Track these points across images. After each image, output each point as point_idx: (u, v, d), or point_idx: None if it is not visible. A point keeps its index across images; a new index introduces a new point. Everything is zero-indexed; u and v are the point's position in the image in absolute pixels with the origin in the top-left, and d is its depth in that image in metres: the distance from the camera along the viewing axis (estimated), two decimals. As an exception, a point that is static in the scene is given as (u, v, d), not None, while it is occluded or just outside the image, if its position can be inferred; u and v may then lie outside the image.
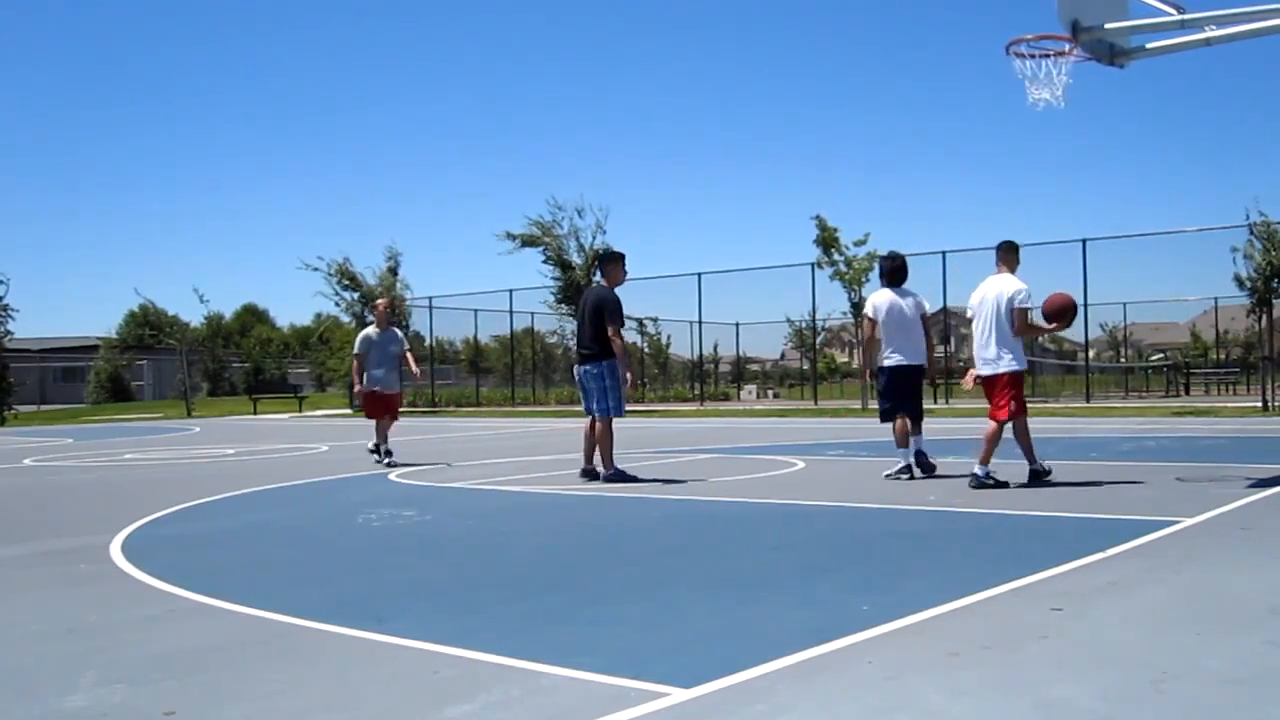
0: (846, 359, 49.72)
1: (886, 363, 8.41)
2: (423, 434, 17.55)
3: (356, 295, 30.38)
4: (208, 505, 7.78)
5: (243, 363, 55.91)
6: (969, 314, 8.01)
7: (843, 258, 23.52)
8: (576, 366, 8.85)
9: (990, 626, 3.50)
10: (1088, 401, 22.31)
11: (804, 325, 33.46)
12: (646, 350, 36.03)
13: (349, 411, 27.67)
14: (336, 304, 31.25)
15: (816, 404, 25.81)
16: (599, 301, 8.64)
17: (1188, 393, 26.47)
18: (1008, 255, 7.92)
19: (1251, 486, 7.02)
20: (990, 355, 7.64)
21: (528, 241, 27.41)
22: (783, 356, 47.95)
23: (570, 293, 26.13)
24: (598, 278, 9.14)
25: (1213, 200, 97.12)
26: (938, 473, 8.28)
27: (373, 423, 11.37)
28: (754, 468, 9.62)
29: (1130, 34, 7.95)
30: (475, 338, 35.63)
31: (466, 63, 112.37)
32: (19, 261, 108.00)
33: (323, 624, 3.79)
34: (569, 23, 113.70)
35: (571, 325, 24.96)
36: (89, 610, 4.19)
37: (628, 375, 8.68)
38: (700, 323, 31.07)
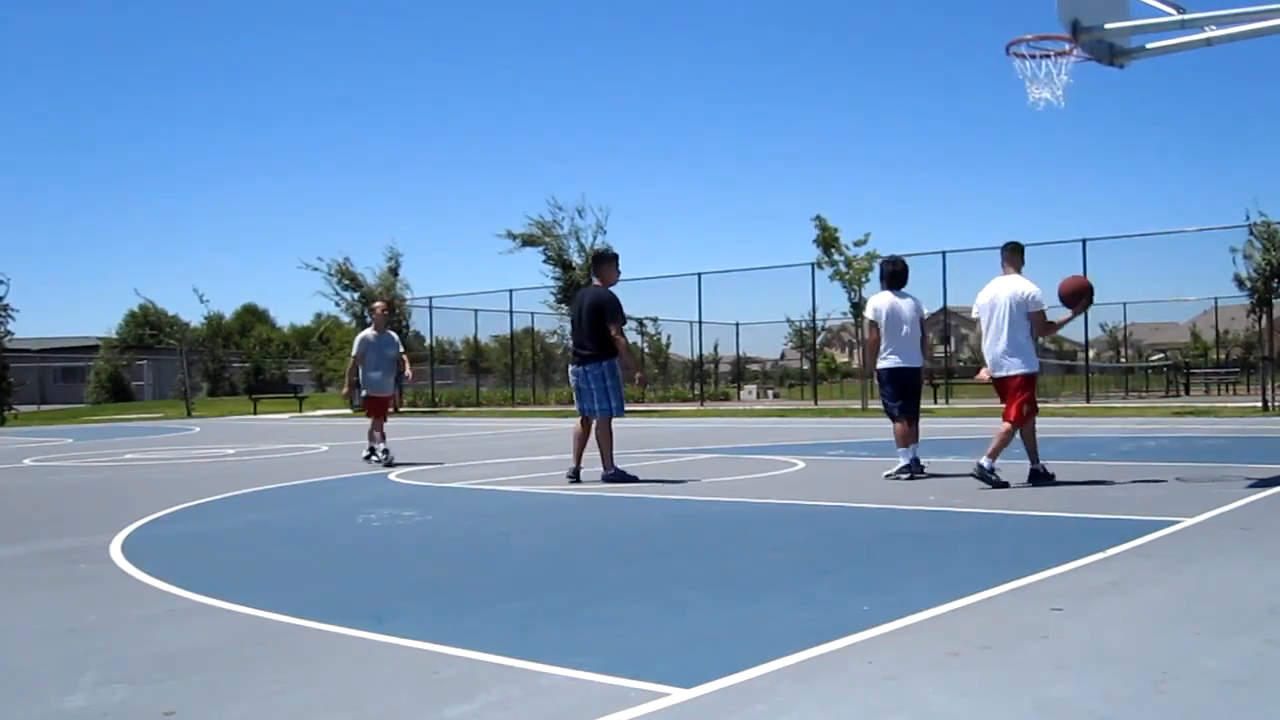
0: (846, 359, 49.74)
1: (884, 364, 8.48)
2: (423, 434, 17.56)
3: (356, 295, 30.40)
4: (208, 505, 7.78)
5: (243, 363, 55.90)
6: (974, 314, 8.01)
7: (843, 258, 23.52)
8: (574, 367, 8.78)
9: (990, 626, 3.50)
10: (1088, 401, 22.31)
11: (804, 325, 33.52)
12: (646, 350, 36.02)
13: (349, 412, 27.66)
14: (336, 304, 31.32)
15: (816, 404, 25.82)
16: (598, 301, 8.63)
17: (1188, 393, 26.48)
18: (1013, 256, 7.94)
19: (1251, 486, 7.02)
20: (1002, 357, 7.65)
21: (528, 241, 27.44)
22: (783, 356, 47.96)
23: (571, 293, 26.14)
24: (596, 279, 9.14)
25: (1213, 200, 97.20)
26: (938, 473, 8.28)
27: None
28: (754, 468, 9.62)
29: (1130, 34, 7.95)
30: (475, 338, 35.66)
31: (467, 63, 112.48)
32: (19, 261, 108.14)
33: (323, 624, 3.79)
34: (569, 23, 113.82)
35: (571, 326, 24.89)
36: (89, 610, 4.19)
37: (638, 373, 8.70)
38: (700, 323, 31.11)
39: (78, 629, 3.87)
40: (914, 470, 8.18)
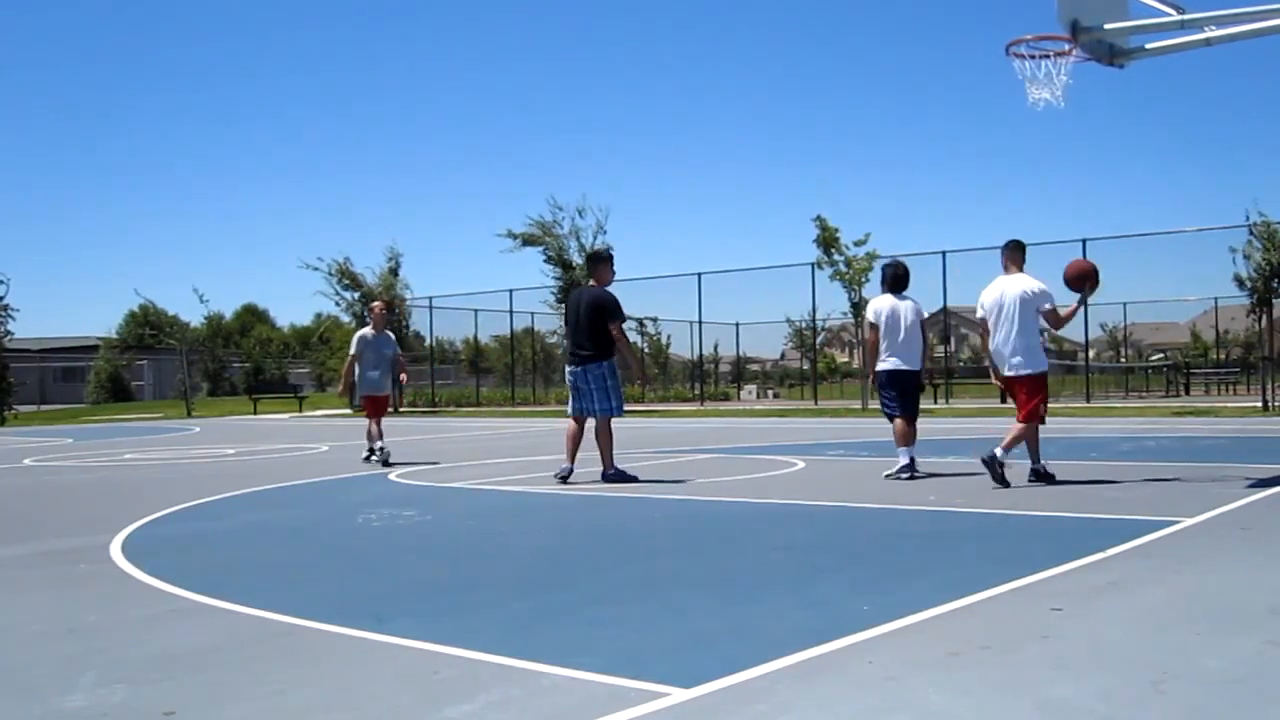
0: (846, 359, 49.76)
1: (884, 366, 8.55)
2: (422, 434, 17.56)
3: (357, 295, 30.40)
4: (208, 505, 7.78)
5: (243, 363, 55.90)
6: (979, 314, 7.99)
7: (843, 258, 23.52)
8: (571, 368, 8.72)
9: (990, 626, 3.51)
10: (1088, 401, 22.31)
11: (804, 325, 33.53)
12: (646, 350, 36.02)
13: (349, 412, 27.66)
14: (337, 304, 31.32)
15: (816, 404, 25.82)
16: (597, 301, 8.62)
17: (1188, 393, 26.48)
18: (1014, 254, 7.94)
19: (1251, 486, 7.02)
20: (1014, 356, 7.65)
21: (528, 241, 27.45)
22: (783, 356, 47.98)
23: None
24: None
25: (1213, 200, 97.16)
26: (938, 473, 8.28)
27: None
28: (754, 468, 9.62)
29: (1130, 34, 7.95)
30: (475, 338, 35.66)
31: (467, 62, 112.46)
32: (19, 261, 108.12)
33: (323, 624, 3.79)
34: (569, 23, 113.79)
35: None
36: (89, 610, 4.19)
37: (641, 374, 8.68)
38: (700, 323, 31.11)
39: (78, 629, 3.87)
40: (912, 470, 8.19)
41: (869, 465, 9.42)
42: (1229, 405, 19.83)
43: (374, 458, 11.08)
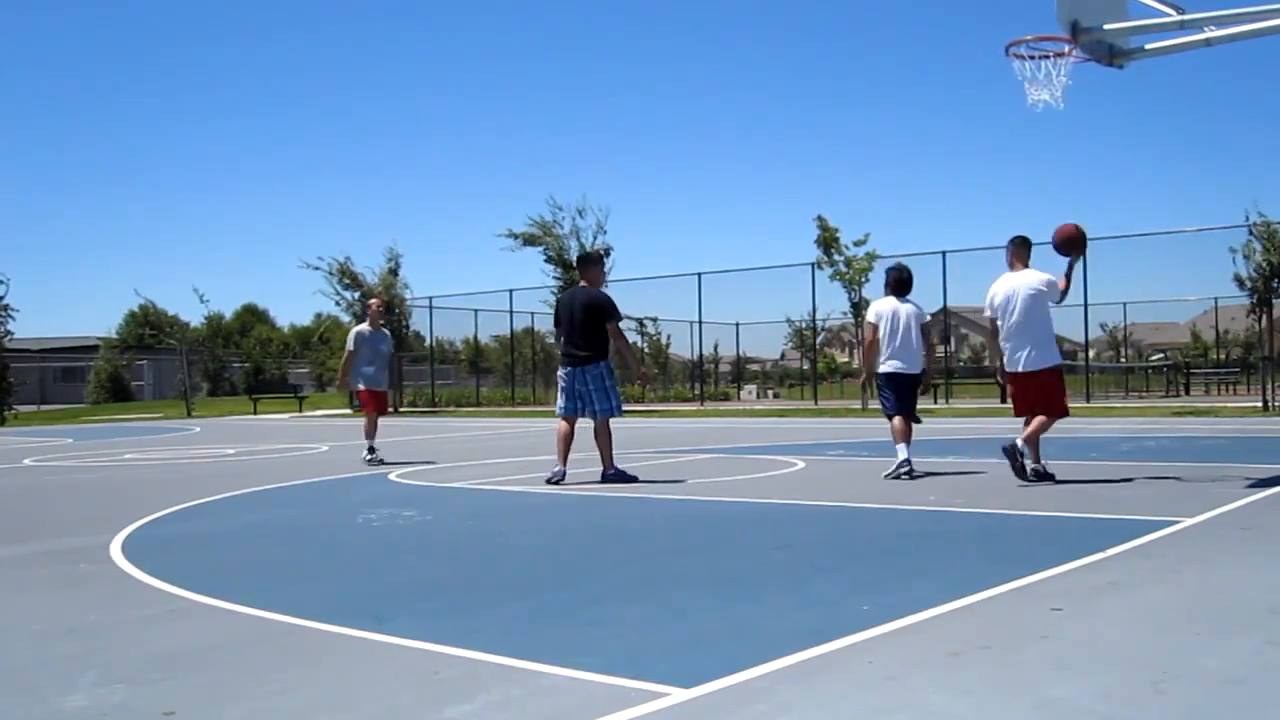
0: (846, 359, 49.75)
1: (884, 369, 8.60)
2: (422, 434, 17.56)
3: (357, 295, 30.39)
4: (208, 505, 7.78)
5: (243, 363, 55.91)
6: (987, 313, 7.96)
7: (843, 258, 23.54)
8: (567, 369, 8.63)
9: (990, 626, 3.51)
10: (1088, 401, 22.31)
11: (804, 325, 33.52)
12: (646, 350, 36.02)
13: (349, 411, 27.66)
14: (337, 303, 31.29)
15: (816, 404, 25.82)
16: (594, 302, 8.61)
17: (1188, 393, 26.47)
18: (1020, 250, 7.92)
19: (1251, 486, 7.02)
20: (1029, 352, 7.65)
21: (529, 241, 27.44)
22: (783, 356, 47.97)
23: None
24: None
25: (1213, 200, 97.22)
26: (938, 472, 8.29)
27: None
28: (754, 468, 9.62)
29: (1130, 34, 7.95)
30: (475, 338, 35.67)
31: (467, 62, 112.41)
32: (19, 261, 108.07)
33: (323, 624, 3.79)
34: (569, 22, 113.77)
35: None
36: (89, 610, 4.19)
37: (642, 373, 8.68)
38: (700, 323, 31.12)
39: (78, 629, 3.87)
40: (910, 468, 8.21)
41: (869, 465, 9.42)
42: (1229, 405, 19.83)
43: (374, 456, 11.09)
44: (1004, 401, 21.35)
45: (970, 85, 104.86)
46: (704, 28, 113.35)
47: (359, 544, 5.90)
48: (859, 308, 22.80)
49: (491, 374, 37.85)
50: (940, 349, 29.28)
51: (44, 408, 39.07)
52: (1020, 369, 7.71)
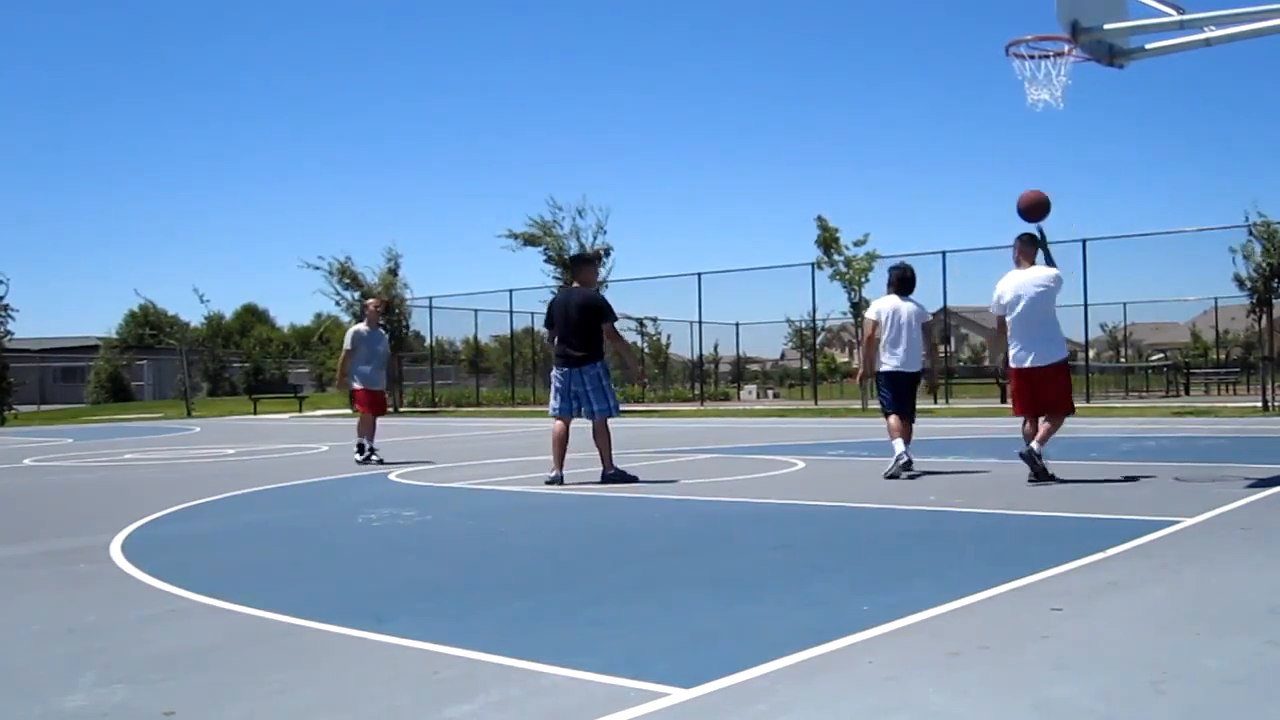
0: (846, 359, 49.73)
1: (883, 367, 8.62)
2: (422, 434, 17.55)
3: (357, 295, 30.38)
4: (208, 505, 7.78)
5: (243, 363, 55.89)
6: (995, 310, 7.95)
7: (842, 258, 23.53)
8: (564, 369, 8.56)
9: (990, 626, 3.51)
10: (1088, 401, 22.29)
11: (804, 325, 33.50)
12: (646, 350, 36.02)
13: (349, 412, 27.66)
14: (337, 303, 31.26)
15: (816, 404, 25.82)
16: (590, 302, 8.60)
17: (1188, 393, 26.47)
18: (1027, 248, 7.91)
19: (1251, 486, 7.02)
20: (1041, 348, 7.67)
21: (529, 241, 27.42)
22: (783, 356, 47.96)
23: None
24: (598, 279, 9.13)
25: (1213, 200, 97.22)
26: (938, 471, 8.29)
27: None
28: (754, 468, 9.62)
29: (1130, 34, 7.95)
30: (475, 338, 35.67)
31: (467, 63, 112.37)
32: (19, 261, 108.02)
33: (323, 624, 3.79)
34: (569, 23, 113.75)
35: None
36: (89, 610, 4.19)
37: (642, 372, 8.66)
38: (700, 323, 31.11)
39: (78, 629, 3.87)
40: (909, 466, 8.23)
41: (869, 465, 9.42)
42: (1229, 405, 19.83)
43: (374, 457, 11.09)
44: (1004, 401, 21.36)
45: (970, 85, 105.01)
46: (704, 28, 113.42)
47: (359, 544, 5.90)
48: (859, 308, 22.79)
49: (491, 374, 37.86)
50: (940, 349, 29.30)
51: (44, 408, 39.06)
52: (1029, 365, 7.70)
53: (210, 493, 8.53)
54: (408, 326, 31.71)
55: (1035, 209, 7.80)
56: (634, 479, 8.47)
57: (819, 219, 23.70)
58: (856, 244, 23.47)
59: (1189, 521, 5.58)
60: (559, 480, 8.35)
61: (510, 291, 31.53)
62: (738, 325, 35.99)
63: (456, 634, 3.56)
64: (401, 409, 29.46)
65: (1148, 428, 14.31)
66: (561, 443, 8.50)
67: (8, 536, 6.42)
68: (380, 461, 11.02)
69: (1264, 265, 19.05)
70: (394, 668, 3.22)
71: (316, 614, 3.92)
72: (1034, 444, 7.49)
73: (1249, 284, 19.43)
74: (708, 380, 34.95)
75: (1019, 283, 7.76)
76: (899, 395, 8.56)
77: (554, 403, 8.66)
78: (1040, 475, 7.41)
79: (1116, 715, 2.61)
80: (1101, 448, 10.86)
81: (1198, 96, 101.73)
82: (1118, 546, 4.86)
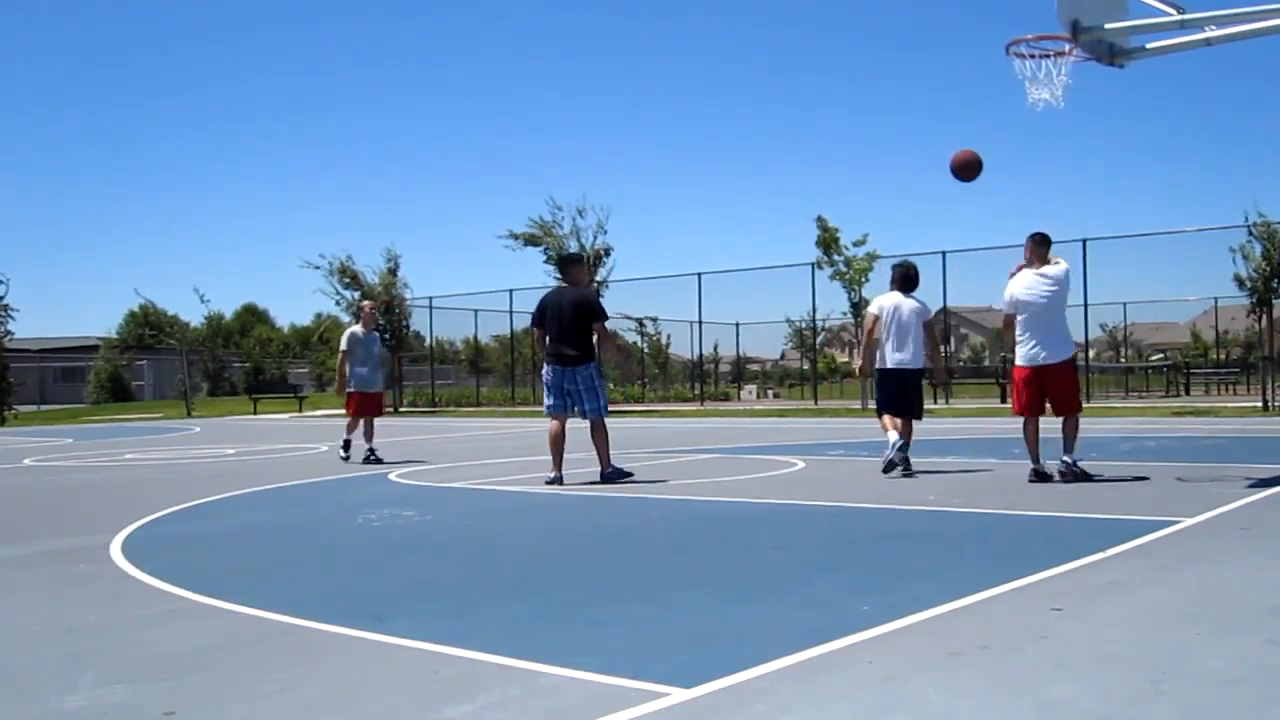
0: (846, 359, 49.71)
1: (883, 364, 8.65)
2: (423, 434, 17.55)
3: (358, 295, 30.38)
4: (208, 505, 7.78)
5: (243, 363, 55.90)
6: (1006, 309, 7.95)
7: (842, 258, 23.53)
8: (558, 368, 8.52)
9: (990, 626, 3.50)
10: (1088, 401, 22.22)
11: (804, 325, 33.48)
12: (646, 350, 36.02)
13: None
14: (337, 303, 31.25)
15: (816, 404, 25.82)
16: (584, 301, 8.60)
17: (1188, 393, 26.46)
18: (1039, 248, 7.92)
19: (1251, 486, 7.02)
20: (1055, 346, 7.72)
21: (529, 241, 27.42)
22: (783, 356, 47.94)
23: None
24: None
25: (1213, 200, 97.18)
26: (938, 471, 8.29)
27: (344, 422, 11.70)
28: (754, 468, 9.62)
29: (1130, 34, 7.95)
30: (475, 338, 35.69)
31: (467, 63, 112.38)
32: (19, 261, 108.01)
33: (323, 624, 3.79)
34: (569, 22, 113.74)
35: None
36: (89, 610, 4.19)
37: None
38: (700, 323, 31.09)
39: (78, 629, 3.87)
40: (906, 459, 8.25)
41: (869, 465, 9.41)
42: (1229, 405, 19.82)
43: (345, 453, 11.23)
44: (1004, 401, 21.35)
45: (970, 85, 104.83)
46: (704, 28, 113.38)
47: (359, 544, 5.90)
48: (859, 308, 22.79)
49: (491, 374, 37.86)
50: (941, 349, 29.30)
51: (44, 408, 39.06)
52: (1042, 362, 7.72)
53: (210, 493, 8.53)
54: (408, 326, 31.71)
55: (967, 168, 8.00)
56: (629, 475, 8.48)
57: (819, 219, 23.72)
58: (856, 244, 23.49)
59: (1189, 521, 5.58)
60: (559, 481, 8.34)
61: (510, 291, 31.54)
62: (738, 325, 36.01)
63: (456, 634, 3.56)
64: (401, 409, 29.46)
65: (1148, 428, 14.31)
66: (559, 443, 8.49)
67: (8, 536, 6.42)
68: (380, 461, 11.02)
69: (1264, 265, 19.05)
70: (394, 668, 3.22)
71: (316, 614, 3.92)
72: (1066, 456, 7.58)
73: (1249, 284, 19.43)
74: (708, 380, 34.94)
75: (1032, 281, 7.78)
76: (899, 392, 8.56)
77: (548, 400, 8.66)
78: (1083, 476, 7.50)
79: (1116, 715, 2.61)
80: (1101, 448, 10.85)
81: (1198, 96, 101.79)
82: (1118, 546, 4.86)
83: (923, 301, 8.79)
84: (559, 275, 9.08)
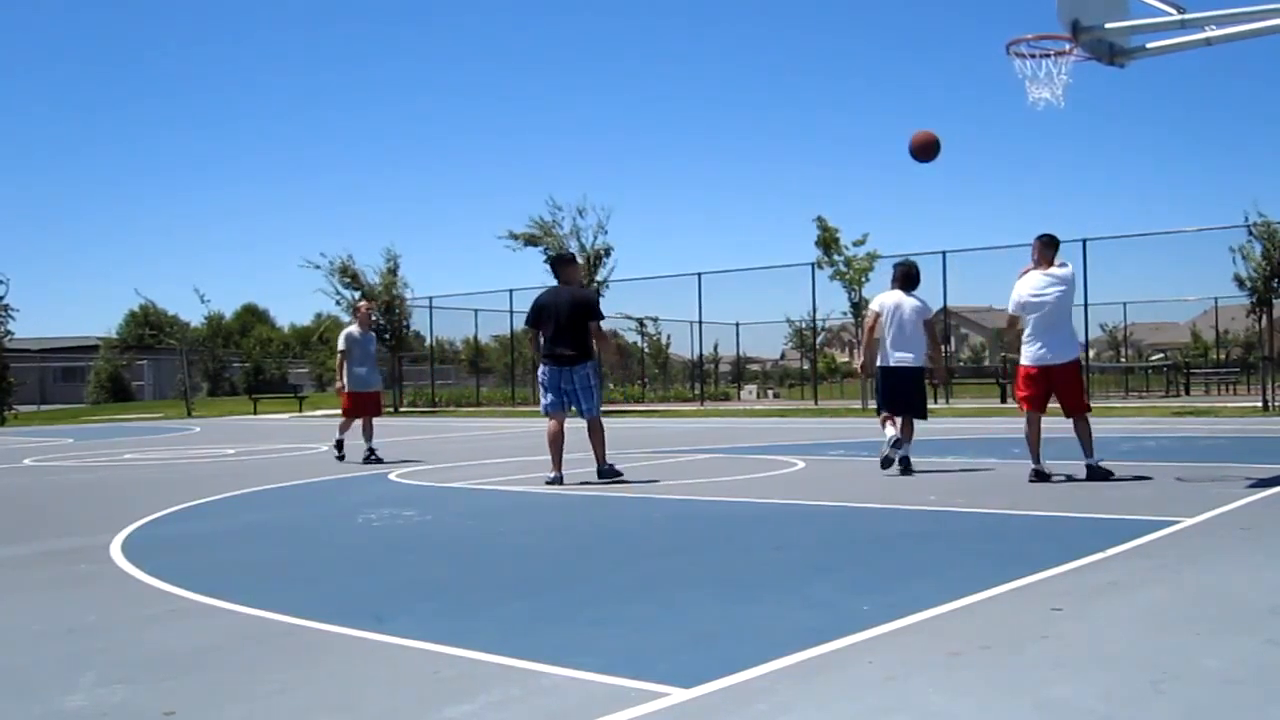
0: (846, 359, 49.72)
1: (883, 362, 8.66)
2: (423, 434, 17.56)
3: (358, 294, 30.37)
4: (208, 505, 7.78)
5: (243, 363, 55.92)
6: (1013, 309, 7.96)
7: (842, 258, 23.53)
8: (555, 368, 8.49)
9: (990, 626, 3.50)
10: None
11: (804, 325, 33.47)
12: (646, 350, 36.02)
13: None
14: (337, 303, 31.23)
15: (816, 404, 25.82)
16: (583, 300, 8.60)
17: (1188, 393, 26.46)
18: (1046, 250, 7.94)
19: (1251, 486, 7.02)
20: (1061, 345, 7.74)
21: (530, 241, 27.41)
22: (783, 356, 47.94)
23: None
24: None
25: (1213, 200, 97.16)
26: (938, 470, 8.29)
27: (339, 422, 11.74)
28: (754, 468, 9.62)
29: (1130, 34, 7.95)
30: (475, 338, 35.68)
31: (466, 63, 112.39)
32: (19, 261, 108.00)
33: (323, 624, 3.79)
34: (569, 23, 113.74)
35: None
36: (89, 610, 4.19)
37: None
38: (700, 323, 31.08)
39: (78, 629, 3.87)
40: (907, 458, 8.26)
41: (869, 465, 9.41)
42: (1229, 405, 19.82)
43: (339, 453, 11.26)
44: (1004, 401, 21.35)
45: (970, 85, 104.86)
46: (704, 28, 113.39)
47: (359, 544, 5.90)
48: (859, 308, 22.78)
49: (491, 374, 37.85)
50: (941, 349, 29.30)
51: (44, 408, 39.07)
52: (1049, 363, 7.73)
53: (210, 493, 8.53)
54: (408, 326, 31.69)
55: (925, 149, 8.13)
56: (619, 473, 8.53)
57: (819, 219, 23.71)
58: (856, 244, 23.48)
59: (1189, 521, 5.58)
60: (559, 480, 8.34)
61: (510, 291, 31.52)
62: (738, 325, 36.00)
63: (457, 634, 3.56)
64: (401, 409, 29.47)
65: (1148, 428, 14.30)
66: (558, 443, 8.49)
67: (8, 536, 6.42)
68: (379, 461, 11.02)
69: (1264, 265, 19.05)
70: (394, 668, 3.22)
71: (316, 614, 3.92)
72: (1088, 460, 7.67)
73: (1249, 284, 19.42)
74: (708, 380, 34.93)
75: (1039, 282, 7.79)
76: (899, 391, 8.58)
77: (545, 399, 8.65)
78: (1106, 475, 7.56)
79: (1116, 715, 2.61)
80: (1101, 448, 10.79)
81: (1198, 96, 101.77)
82: (1118, 546, 4.86)
83: (924, 300, 8.82)
84: (554, 276, 8.99)
